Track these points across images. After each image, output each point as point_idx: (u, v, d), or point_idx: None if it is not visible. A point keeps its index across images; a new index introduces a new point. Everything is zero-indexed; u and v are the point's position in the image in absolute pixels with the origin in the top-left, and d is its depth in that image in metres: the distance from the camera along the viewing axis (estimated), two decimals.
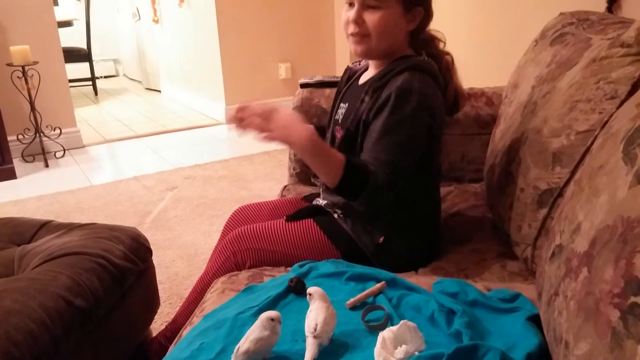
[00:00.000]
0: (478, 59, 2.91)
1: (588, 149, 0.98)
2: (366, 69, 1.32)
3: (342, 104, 1.32)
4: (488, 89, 1.69)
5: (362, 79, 1.30)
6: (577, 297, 0.67)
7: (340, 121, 1.29)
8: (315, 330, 0.80)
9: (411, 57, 1.19)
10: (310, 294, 0.86)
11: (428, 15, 1.19)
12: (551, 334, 0.75)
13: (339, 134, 1.28)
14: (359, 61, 1.38)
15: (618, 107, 0.95)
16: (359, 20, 1.15)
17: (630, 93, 0.95)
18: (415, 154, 1.15)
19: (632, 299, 0.55)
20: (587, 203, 0.74)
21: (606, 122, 0.95)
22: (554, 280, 0.78)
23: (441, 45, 1.26)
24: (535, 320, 0.87)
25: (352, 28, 1.16)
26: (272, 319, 0.79)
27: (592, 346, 0.60)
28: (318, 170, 1.11)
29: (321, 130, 1.42)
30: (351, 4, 1.16)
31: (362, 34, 1.16)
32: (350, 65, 1.41)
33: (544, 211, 1.07)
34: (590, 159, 0.84)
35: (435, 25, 1.24)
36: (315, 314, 0.83)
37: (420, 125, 1.14)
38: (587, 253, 0.68)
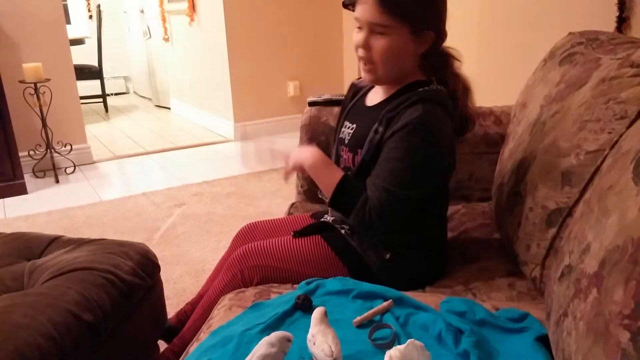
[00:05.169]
0: (486, 78, 2.91)
1: (597, 169, 0.98)
2: (372, 86, 1.31)
3: (347, 123, 1.31)
4: (496, 108, 1.70)
5: (370, 101, 1.29)
6: (586, 318, 0.66)
7: (346, 141, 1.28)
8: (332, 353, 0.79)
9: (423, 87, 1.17)
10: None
11: (440, 36, 1.17)
12: (560, 354, 0.74)
13: (344, 155, 1.28)
14: None
15: (628, 127, 0.94)
16: (365, 46, 1.15)
17: None
18: (417, 186, 1.13)
19: None
20: (597, 223, 0.74)
21: (616, 142, 0.95)
22: (563, 300, 0.77)
23: (457, 64, 1.23)
24: (543, 340, 0.86)
25: (360, 52, 1.17)
26: (288, 340, 0.79)
27: None
28: (320, 182, 1.22)
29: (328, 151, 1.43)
30: (360, 27, 1.16)
31: (368, 60, 1.16)
32: (355, 81, 1.40)
33: (552, 231, 1.07)
34: (600, 179, 0.84)
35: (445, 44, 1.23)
36: (322, 338, 0.82)
37: (426, 159, 1.13)
38: (597, 274, 0.67)
